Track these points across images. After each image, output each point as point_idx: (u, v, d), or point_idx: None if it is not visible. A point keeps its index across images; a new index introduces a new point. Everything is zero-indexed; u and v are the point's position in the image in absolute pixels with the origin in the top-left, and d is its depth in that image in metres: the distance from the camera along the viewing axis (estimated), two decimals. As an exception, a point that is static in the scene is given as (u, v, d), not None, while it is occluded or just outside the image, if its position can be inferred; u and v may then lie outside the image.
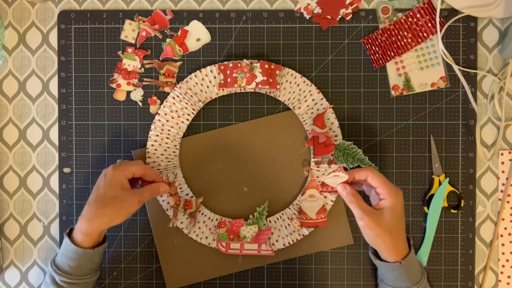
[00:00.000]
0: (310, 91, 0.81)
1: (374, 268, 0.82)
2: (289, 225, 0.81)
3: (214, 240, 0.81)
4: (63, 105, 0.84)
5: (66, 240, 0.72)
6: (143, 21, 0.83)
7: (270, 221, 0.81)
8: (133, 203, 0.71)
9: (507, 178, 0.83)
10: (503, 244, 0.83)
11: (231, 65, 0.80)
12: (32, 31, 0.84)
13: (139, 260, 0.83)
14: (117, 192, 0.71)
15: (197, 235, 0.81)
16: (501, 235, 0.83)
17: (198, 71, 0.81)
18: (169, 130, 0.82)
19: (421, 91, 0.82)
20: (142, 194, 0.73)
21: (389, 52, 0.81)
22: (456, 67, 0.80)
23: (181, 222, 0.81)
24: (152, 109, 0.83)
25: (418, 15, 0.80)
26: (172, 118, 0.81)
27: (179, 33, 0.83)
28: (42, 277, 0.85)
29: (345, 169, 0.77)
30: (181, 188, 0.82)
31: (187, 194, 0.81)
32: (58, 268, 0.71)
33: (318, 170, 0.81)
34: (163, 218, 0.82)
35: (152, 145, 0.81)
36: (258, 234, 0.80)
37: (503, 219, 0.82)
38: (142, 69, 0.83)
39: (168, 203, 0.81)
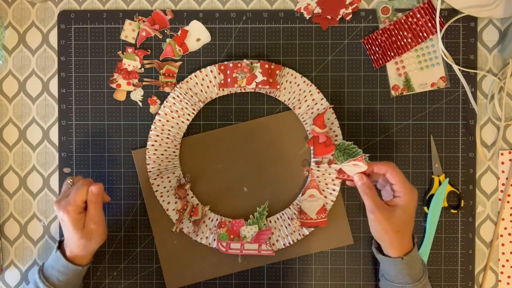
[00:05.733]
0: (310, 91, 0.81)
1: (374, 268, 0.82)
2: (289, 225, 0.81)
3: (214, 240, 0.81)
4: (63, 105, 0.84)
5: (57, 254, 0.73)
6: (143, 21, 0.83)
7: (270, 221, 0.81)
8: (100, 232, 0.72)
9: (507, 178, 0.83)
10: (503, 244, 0.83)
11: (231, 65, 0.80)
12: (32, 31, 0.84)
13: (139, 260, 0.83)
14: (81, 233, 0.71)
15: (197, 235, 0.81)
16: (501, 235, 0.83)
17: (198, 71, 0.81)
18: (169, 130, 0.82)
19: (421, 91, 0.82)
20: (96, 215, 0.72)
21: (389, 52, 0.81)
22: (456, 67, 0.80)
23: (187, 227, 0.81)
24: (152, 109, 0.83)
25: (418, 15, 0.80)
26: (172, 118, 0.81)
27: (179, 33, 0.83)
28: (42, 277, 0.85)
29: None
30: (192, 196, 0.82)
31: (191, 197, 0.81)
32: (47, 280, 0.72)
33: (318, 170, 0.81)
34: (163, 218, 0.82)
35: (152, 145, 0.81)
36: (259, 234, 0.80)
37: (503, 219, 0.82)
38: (142, 69, 0.83)
39: (175, 203, 0.81)
